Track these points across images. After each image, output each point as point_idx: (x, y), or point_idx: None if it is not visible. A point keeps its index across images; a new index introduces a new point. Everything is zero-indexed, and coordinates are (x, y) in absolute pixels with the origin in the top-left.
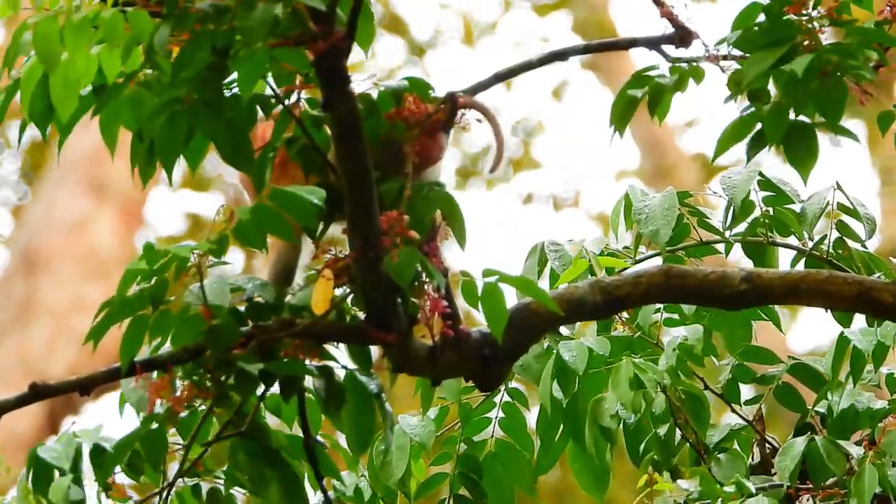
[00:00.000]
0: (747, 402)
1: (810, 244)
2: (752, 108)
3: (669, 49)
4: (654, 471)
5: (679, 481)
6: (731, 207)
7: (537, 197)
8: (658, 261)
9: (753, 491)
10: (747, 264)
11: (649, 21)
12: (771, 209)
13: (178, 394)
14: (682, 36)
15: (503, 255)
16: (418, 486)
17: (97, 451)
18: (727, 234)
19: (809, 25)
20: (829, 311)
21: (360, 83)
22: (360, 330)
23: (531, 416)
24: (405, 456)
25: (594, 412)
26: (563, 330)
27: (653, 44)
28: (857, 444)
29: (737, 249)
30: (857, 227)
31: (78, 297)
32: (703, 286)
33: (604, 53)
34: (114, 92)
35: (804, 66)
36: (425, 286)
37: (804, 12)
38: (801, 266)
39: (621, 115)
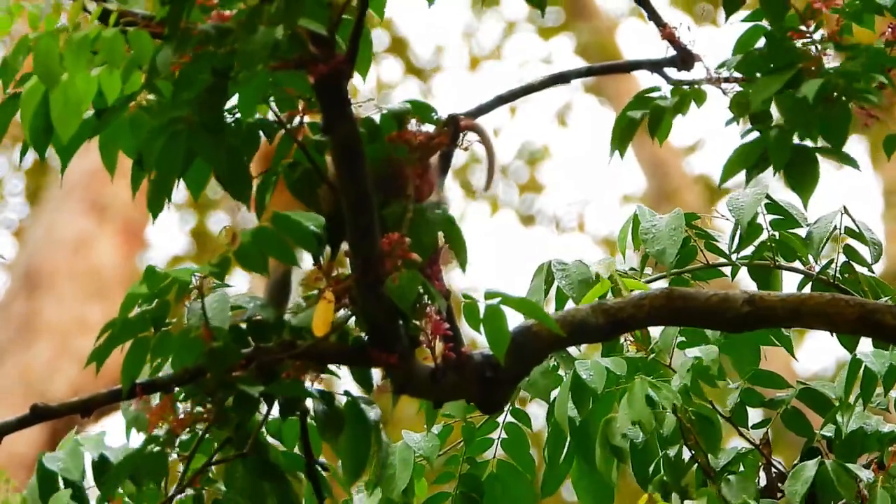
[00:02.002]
0: (755, 426)
1: (817, 268)
2: (757, 134)
3: (671, 71)
4: (657, 492)
5: (686, 502)
6: (738, 230)
7: (540, 219)
8: (664, 283)
9: None
10: (753, 287)
11: (652, 45)
12: (777, 233)
13: (181, 416)
14: (684, 58)
15: (504, 276)
16: None
17: (101, 462)
18: (734, 257)
19: (813, 50)
20: (832, 333)
21: (362, 104)
22: (361, 352)
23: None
24: (408, 468)
25: (605, 432)
26: (572, 351)
27: (654, 66)
28: (866, 466)
29: (743, 272)
30: (864, 252)
31: (80, 317)
32: (705, 309)
33: (607, 77)
34: (113, 114)
35: (814, 90)
36: (427, 308)
37: (807, 37)
38: (807, 290)
39: (621, 136)
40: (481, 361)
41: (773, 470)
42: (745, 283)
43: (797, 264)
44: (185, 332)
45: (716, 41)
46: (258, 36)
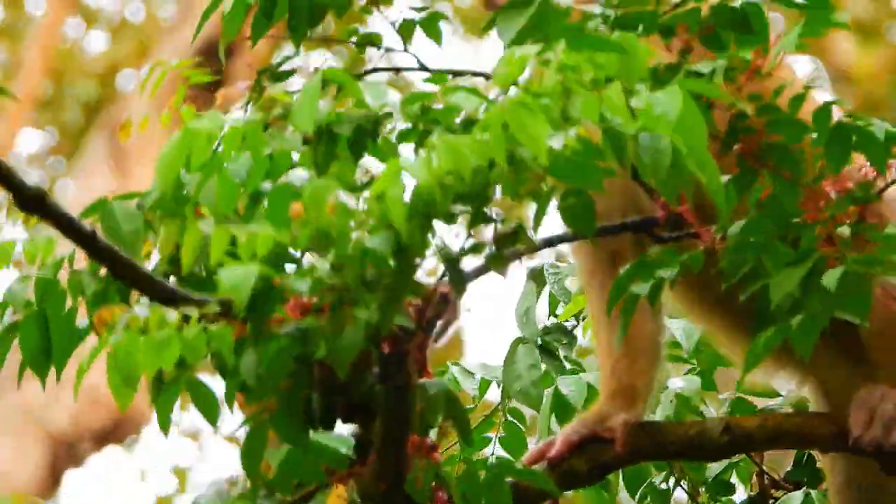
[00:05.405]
0: None
1: None
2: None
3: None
4: None
5: None
6: None
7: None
8: None
9: None
10: None
11: None
12: None
13: None
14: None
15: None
16: None
17: None
18: None
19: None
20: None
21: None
22: None
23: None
24: None
25: None
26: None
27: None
28: None
29: None
30: None
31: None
32: (683, 442)
33: None
34: (172, 382)
35: (835, 280)
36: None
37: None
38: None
39: (625, 312)
40: None
41: (766, 477)
42: None
43: None
44: None
45: None
46: (345, 340)
